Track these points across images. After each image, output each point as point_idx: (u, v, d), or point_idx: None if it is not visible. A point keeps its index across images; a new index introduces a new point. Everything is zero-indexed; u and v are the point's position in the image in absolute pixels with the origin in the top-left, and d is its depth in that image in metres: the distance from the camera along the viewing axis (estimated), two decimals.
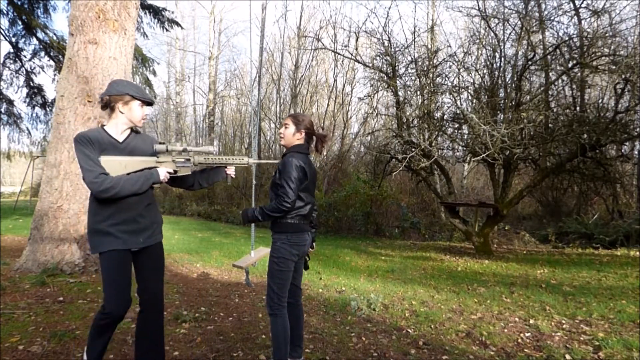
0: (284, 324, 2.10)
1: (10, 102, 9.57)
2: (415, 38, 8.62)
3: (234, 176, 2.14)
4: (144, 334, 1.98)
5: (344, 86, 15.88)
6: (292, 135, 2.19)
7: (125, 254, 1.86)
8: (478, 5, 7.44)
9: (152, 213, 1.97)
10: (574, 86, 7.00)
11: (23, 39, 8.90)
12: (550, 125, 6.82)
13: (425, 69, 7.71)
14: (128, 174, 1.83)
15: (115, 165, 1.81)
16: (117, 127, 1.89)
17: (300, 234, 2.14)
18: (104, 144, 1.82)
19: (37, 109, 9.66)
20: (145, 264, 1.96)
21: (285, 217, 2.08)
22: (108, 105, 1.86)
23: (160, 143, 1.92)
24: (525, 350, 2.73)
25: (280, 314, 2.11)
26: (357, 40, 10.36)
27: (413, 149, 7.22)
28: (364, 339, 2.90)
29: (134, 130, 1.98)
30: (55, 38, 8.64)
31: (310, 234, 2.25)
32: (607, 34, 6.34)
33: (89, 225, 1.84)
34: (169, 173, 1.93)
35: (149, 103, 1.95)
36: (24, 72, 9.30)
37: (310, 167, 2.15)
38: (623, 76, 5.84)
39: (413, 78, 8.01)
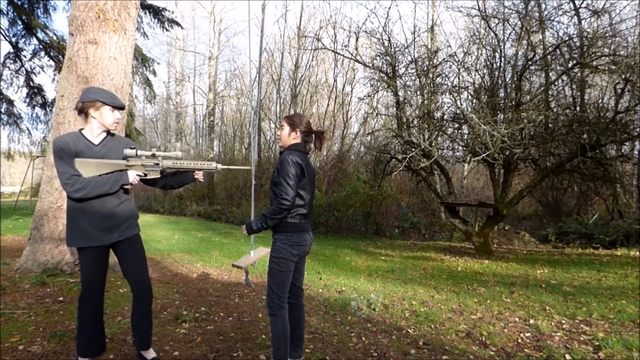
0: (283, 324, 2.10)
1: (10, 102, 9.54)
2: (415, 38, 8.62)
3: (202, 180, 2.34)
4: (137, 312, 2.25)
5: (344, 86, 15.90)
6: (287, 136, 2.21)
7: (99, 249, 2.07)
8: (478, 5, 7.44)
9: (126, 210, 2.13)
10: (574, 86, 7.00)
11: (23, 39, 8.87)
12: (550, 125, 6.81)
13: (425, 69, 7.70)
14: (100, 175, 2.00)
15: (88, 167, 1.98)
16: (93, 131, 2.07)
17: (300, 234, 2.14)
18: (79, 146, 2.00)
19: (37, 109, 9.63)
20: (125, 254, 2.17)
21: (285, 216, 2.08)
22: (82, 111, 2.04)
23: (130, 148, 2.09)
24: (525, 350, 2.73)
25: (280, 314, 2.11)
26: (357, 40, 10.36)
27: (413, 149, 7.22)
28: (364, 339, 2.90)
29: (109, 133, 2.14)
30: (55, 38, 8.61)
31: (310, 234, 2.25)
32: (607, 34, 6.33)
33: (67, 222, 2.03)
34: (139, 175, 2.12)
35: (120, 107, 2.10)
36: (24, 72, 9.27)
37: (308, 166, 2.15)
38: (623, 76, 5.84)
39: (413, 78, 8.02)
